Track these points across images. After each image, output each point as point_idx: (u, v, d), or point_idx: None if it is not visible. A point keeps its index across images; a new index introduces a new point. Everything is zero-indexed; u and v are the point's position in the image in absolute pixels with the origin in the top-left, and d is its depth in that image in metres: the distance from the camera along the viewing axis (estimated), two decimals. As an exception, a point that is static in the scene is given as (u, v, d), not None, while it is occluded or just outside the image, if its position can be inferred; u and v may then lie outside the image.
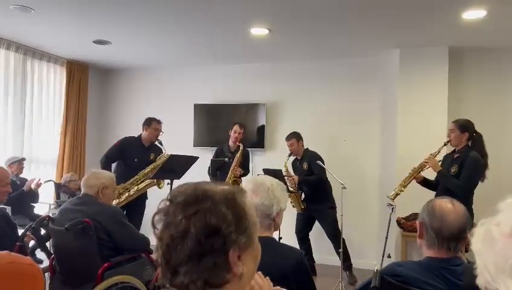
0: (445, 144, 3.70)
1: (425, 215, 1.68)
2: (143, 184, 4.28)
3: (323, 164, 4.53)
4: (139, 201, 4.39)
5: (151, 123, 4.55)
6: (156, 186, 4.38)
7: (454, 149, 3.67)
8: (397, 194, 3.90)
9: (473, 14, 3.77)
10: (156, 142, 4.56)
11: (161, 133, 4.58)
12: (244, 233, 0.88)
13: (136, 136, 4.63)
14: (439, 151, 3.72)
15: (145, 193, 4.52)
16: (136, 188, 4.25)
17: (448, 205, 1.65)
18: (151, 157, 4.49)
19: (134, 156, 4.46)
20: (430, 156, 3.70)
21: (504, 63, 4.84)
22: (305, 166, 4.70)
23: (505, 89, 4.84)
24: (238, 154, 4.82)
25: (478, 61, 4.91)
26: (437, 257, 1.63)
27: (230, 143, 4.98)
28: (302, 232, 4.86)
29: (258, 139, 5.78)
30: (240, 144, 4.89)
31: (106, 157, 4.47)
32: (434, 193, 3.71)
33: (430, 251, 1.66)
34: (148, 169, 4.30)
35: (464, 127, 3.59)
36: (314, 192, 4.68)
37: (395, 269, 1.68)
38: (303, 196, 4.79)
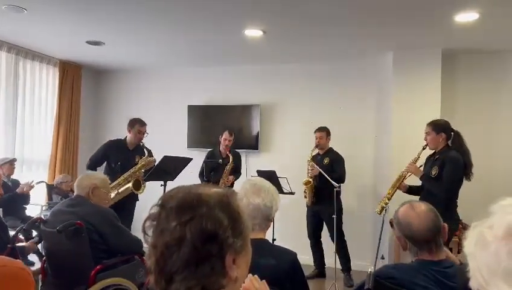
0: (423, 148, 3.63)
1: (397, 230, 1.72)
2: (123, 188, 4.12)
3: (344, 169, 4.62)
4: (128, 203, 4.28)
5: (134, 125, 4.39)
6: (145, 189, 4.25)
7: (435, 151, 3.59)
8: (383, 207, 3.79)
9: (466, 17, 3.79)
10: (141, 145, 4.40)
11: (145, 135, 4.43)
12: (239, 236, 0.87)
13: (122, 138, 4.51)
14: (419, 156, 3.64)
15: (136, 195, 4.41)
16: (116, 192, 4.07)
17: (410, 212, 1.68)
18: (137, 161, 4.32)
19: (118, 159, 4.33)
20: (411, 163, 3.63)
21: (496, 65, 4.88)
22: (326, 160, 4.67)
23: (497, 91, 4.88)
24: (228, 166, 4.75)
25: (470, 64, 4.95)
26: (427, 259, 1.65)
27: (221, 149, 4.94)
28: (315, 234, 4.82)
29: (252, 141, 5.77)
30: (230, 154, 4.82)
31: (90, 160, 4.41)
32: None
33: (419, 256, 1.69)
34: (129, 173, 4.17)
35: (439, 127, 3.50)
36: (326, 192, 4.51)
37: (389, 271, 1.69)
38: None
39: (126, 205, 4.21)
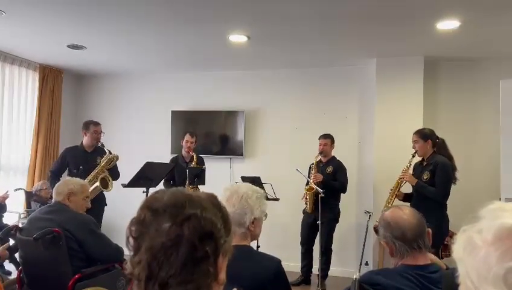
0: (413, 156, 3.79)
1: (384, 233, 1.72)
2: (91, 189, 4.01)
3: (347, 178, 4.62)
4: (97, 208, 4.12)
5: (89, 127, 4.39)
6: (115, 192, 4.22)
7: (423, 157, 3.76)
8: None
9: (447, 25, 3.85)
10: (99, 145, 4.40)
11: (102, 134, 4.44)
12: (229, 237, 0.87)
13: (78, 144, 4.49)
14: (410, 164, 3.80)
15: (104, 200, 4.39)
16: None
17: (398, 212, 1.74)
18: (98, 161, 4.30)
19: (79, 164, 4.28)
20: (404, 171, 3.77)
21: (476, 73, 4.96)
22: (328, 169, 4.62)
23: (478, 98, 4.95)
24: (193, 165, 4.65)
25: (452, 71, 5.03)
26: (412, 264, 1.65)
27: (184, 153, 4.84)
28: (309, 242, 4.74)
29: (237, 147, 5.74)
30: (193, 154, 4.75)
31: (51, 172, 4.41)
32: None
33: (405, 260, 1.68)
34: (93, 174, 4.16)
35: (426, 135, 3.71)
36: (327, 199, 4.45)
37: (374, 277, 1.68)
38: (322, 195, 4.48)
39: (95, 211, 4.10)
